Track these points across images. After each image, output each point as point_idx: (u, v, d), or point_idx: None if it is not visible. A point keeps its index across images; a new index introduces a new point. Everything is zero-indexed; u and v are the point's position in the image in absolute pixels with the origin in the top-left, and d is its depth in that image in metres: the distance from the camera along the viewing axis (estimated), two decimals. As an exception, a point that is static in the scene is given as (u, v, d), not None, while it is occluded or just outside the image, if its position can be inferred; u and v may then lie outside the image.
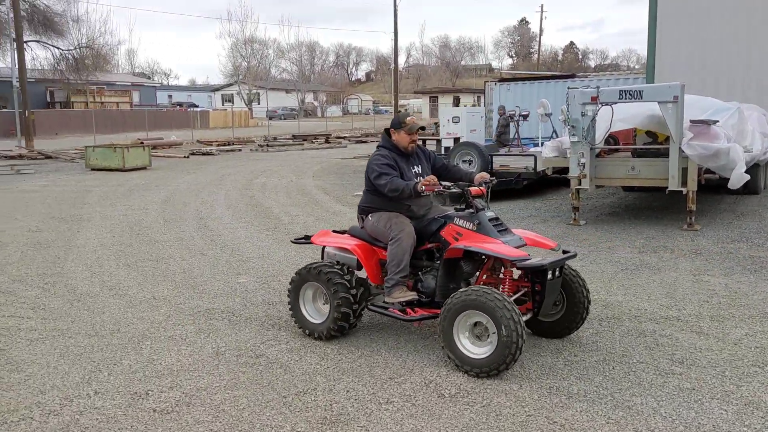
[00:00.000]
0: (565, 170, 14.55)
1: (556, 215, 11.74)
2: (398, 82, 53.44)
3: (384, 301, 5.45)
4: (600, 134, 10.07)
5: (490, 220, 5.11)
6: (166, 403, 4.46)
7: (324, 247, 5.96)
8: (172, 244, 9.58)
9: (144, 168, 21.94)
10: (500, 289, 5.12)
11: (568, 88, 12.43)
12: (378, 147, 5.69)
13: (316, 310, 5.71)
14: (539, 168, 13.39)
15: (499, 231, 5.07)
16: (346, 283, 5.44)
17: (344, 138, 38.18)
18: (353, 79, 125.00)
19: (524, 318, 4.91)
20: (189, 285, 7.47)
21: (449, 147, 16.20)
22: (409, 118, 5.62)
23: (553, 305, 5.34)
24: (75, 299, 6.91)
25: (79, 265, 8.48)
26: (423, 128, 5.91)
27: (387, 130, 5.71)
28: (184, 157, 26.70)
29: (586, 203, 12.59)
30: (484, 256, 5.24)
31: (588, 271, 7.71)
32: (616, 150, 10.99)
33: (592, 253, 8.76)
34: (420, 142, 5.85)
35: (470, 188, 5.27)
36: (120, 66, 77.57)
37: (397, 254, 5.27)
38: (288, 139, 36.16)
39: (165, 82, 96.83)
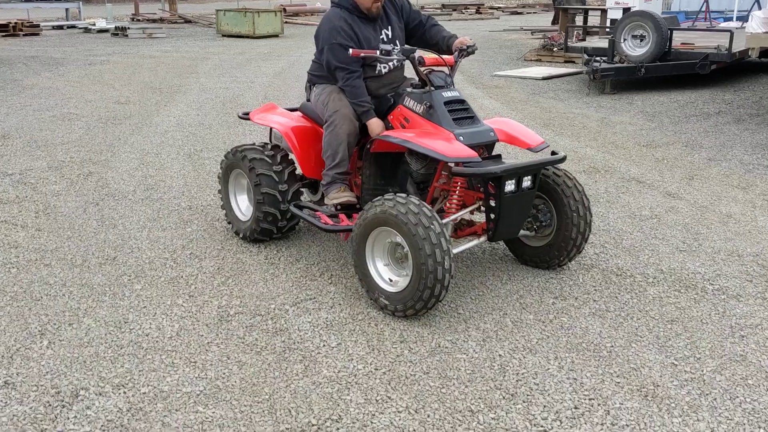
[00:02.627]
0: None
1: (757, 113, 8.84)
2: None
3: (325, 203, 4.24)
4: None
5: (447, 102, 3.76)
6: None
7: (271, 128, 4.67)
8: (254, 130, 7.90)
9: (276, 36, 20.62)
10: (447, 200, 3.88)
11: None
12: (332, 3, 4.17)
13: (249, 205, 4.63)
14: (736, 48, 10.31)
15: (458, 119, 3.74)
16: (274, 175, 4.30)
17: (498, 8, 34.69)
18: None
19: (473, 242, 3.85)
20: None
21: (616, 19, 13.16)
22: None
23: (536, 226, 4.01)
24: (93, 202, 5.42)
25: (135, 150, 7.02)
26: None
27: None
28: (323, 24, 24.92)
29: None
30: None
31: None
32: None
33: (813, 175, 6.12)
34: None
35: (425, 56, 4.01)
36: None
37: (331, 143, 4.05)
38: (436, 8, 33.26)
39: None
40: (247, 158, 4.36)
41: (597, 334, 3.41)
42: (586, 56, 11.53)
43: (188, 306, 3.73)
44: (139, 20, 27.09)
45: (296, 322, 3.55)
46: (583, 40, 14.26)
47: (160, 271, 4.16)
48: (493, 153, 3.91)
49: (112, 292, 3.87)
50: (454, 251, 3.61)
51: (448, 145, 3.53)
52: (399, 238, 3.45)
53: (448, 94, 3.79)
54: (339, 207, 4.15)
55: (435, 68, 3.96)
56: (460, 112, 3.78)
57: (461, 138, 3.61)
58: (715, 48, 10.72)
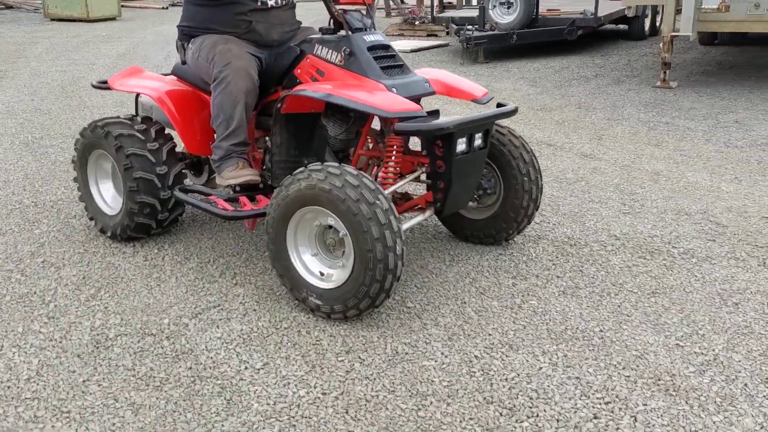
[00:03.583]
0: (624, 19, 11.65)
1: (631, 75, 8.77)
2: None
3: (218, 185, 3.37)
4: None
5: (371, 48, 3.03)
6: None
7: (137, 95, 3.81)
8: (108, 110, 6.75)
9: (113, 18, 18.86)
10: (380, 169, 3.13)
11: None
12: None
13: (117, 195, 3.67)
14: (603, 12, 10.29)
15: (385, 67, 3.02)
16: (148, 155, 3.39)
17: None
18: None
19: (418, 218, 3.09)
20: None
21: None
22: None
23: (478, 194, 3.39)
24: None
25: (-45, 143, 5.70)
26: None
27: None
28: (163, 8, 23.27)
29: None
30: (352, 112, 3.08)
31: (709, 158, 4.93)
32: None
33: (705, 126, 5.95)
34: None
35: None
36: None
37: (222, 106, 3.17)
38: None
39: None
40: (112, 135, 3.40)
41: (578, 317, 2.82)
42: (455, 26, 11.16)
43: (48, 331, 2.77)
44: (-52, 7, 24.00)
45: (202, 339, 2.71)
46: (442, 12, 13.93)
47: (2, 288, 3.14)
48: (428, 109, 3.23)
49: (-65, 324, 2.83)
50: (407, 225, 2.97)
51: (385, 98, 2.81)
52: (332, 220, 2.69)
53: (370, 38, 3.06)
54: (238, 188, 3.31)
55: (349, 7, 3.21)
56: (387, 60, 3.07)
57: (394, 90, 2.90)
58: (581, 13, 10.67)
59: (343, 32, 3.08)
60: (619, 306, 2.91)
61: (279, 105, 3.14)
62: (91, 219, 3.75)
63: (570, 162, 5.02)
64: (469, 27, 10.42)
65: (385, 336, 2.70)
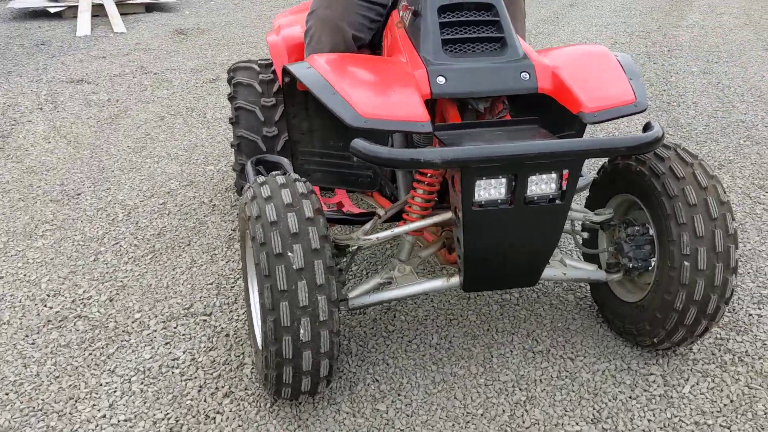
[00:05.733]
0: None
1: None
2: None
3: None
4: None
5: (449, 7, 2.01)
6: None
7: None
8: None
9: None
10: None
11: None
12: None
13: None
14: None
15: (462, 41, 1.99)
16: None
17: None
18: None
19: (434, 284, 2.04)
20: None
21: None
22: None
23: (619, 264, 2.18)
24: None
25: None
26: None
27: None
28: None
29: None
30: None
31: None
32: None
33: None
34: None
35: None
36: None
37: None
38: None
39: None
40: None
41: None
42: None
43: None
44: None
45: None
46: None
47: None
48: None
49: None
50: (403, 291, 2.04)
51: (372, 96, 1.85)
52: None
53: None
54: None
55: None
56: (475, 29, 1.99)
57: (441, 78, 1.89)
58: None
59: None
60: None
61: (286, 79, 2.17)
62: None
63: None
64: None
65: None
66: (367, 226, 2.12)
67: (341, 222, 2.53)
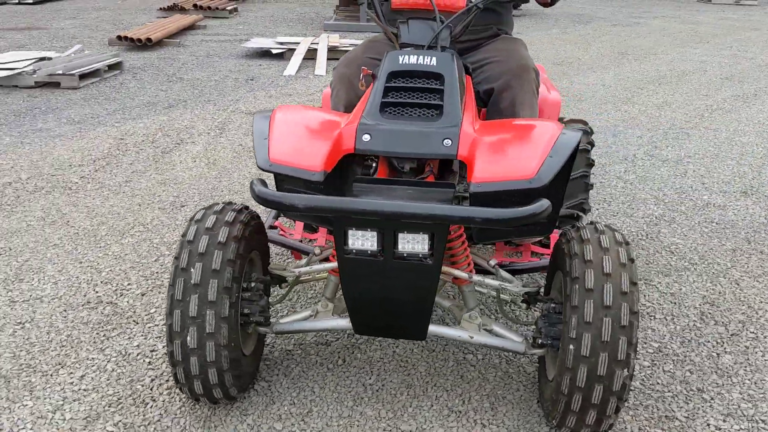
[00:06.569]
0: None
1: None
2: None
3: None
4: None
5: (399, 74, 2.13)
6: None
7: None
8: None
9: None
10: None
11: None
12: None
13: None
14: None
15: (402, 105, 2.08)
16: None
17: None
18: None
19: (333, 322, 2.26)
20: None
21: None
22: None
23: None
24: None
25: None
26: None
27: None
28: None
29: None
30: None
31: None
32: None
33: None
34: None
35: None
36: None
37: None
38: None
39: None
40: None
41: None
42: None
43: None
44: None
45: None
46: None
47: None
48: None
49: None
50: (315, 325, 2.29)
51: (290, 144, 2.03)
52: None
53: (409, 60, 2.13)
54: None
55: (409, 10, 2.40)
56: (419, 95, 2.09)
57: (367, 136, 2.01)
58: None
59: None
60: None
61: None
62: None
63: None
64: None
65: None
66: (303, 261, 2.32)
67: (291, 248, 2.76)
